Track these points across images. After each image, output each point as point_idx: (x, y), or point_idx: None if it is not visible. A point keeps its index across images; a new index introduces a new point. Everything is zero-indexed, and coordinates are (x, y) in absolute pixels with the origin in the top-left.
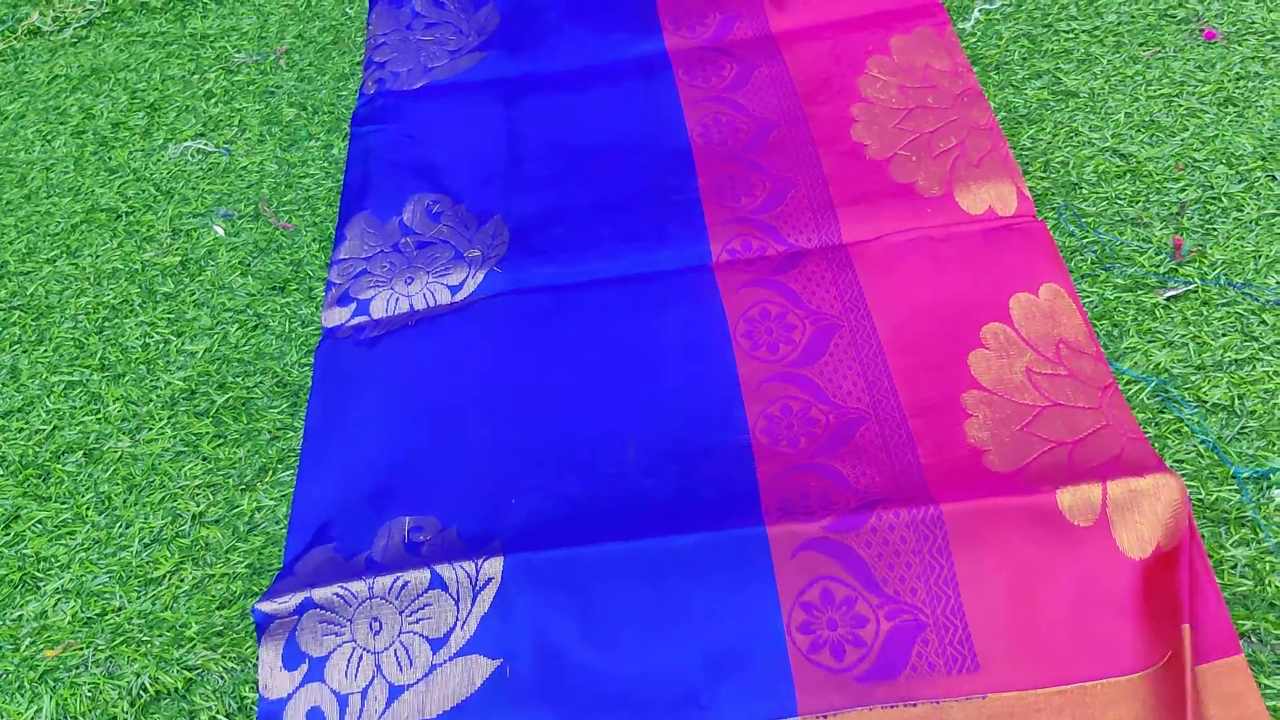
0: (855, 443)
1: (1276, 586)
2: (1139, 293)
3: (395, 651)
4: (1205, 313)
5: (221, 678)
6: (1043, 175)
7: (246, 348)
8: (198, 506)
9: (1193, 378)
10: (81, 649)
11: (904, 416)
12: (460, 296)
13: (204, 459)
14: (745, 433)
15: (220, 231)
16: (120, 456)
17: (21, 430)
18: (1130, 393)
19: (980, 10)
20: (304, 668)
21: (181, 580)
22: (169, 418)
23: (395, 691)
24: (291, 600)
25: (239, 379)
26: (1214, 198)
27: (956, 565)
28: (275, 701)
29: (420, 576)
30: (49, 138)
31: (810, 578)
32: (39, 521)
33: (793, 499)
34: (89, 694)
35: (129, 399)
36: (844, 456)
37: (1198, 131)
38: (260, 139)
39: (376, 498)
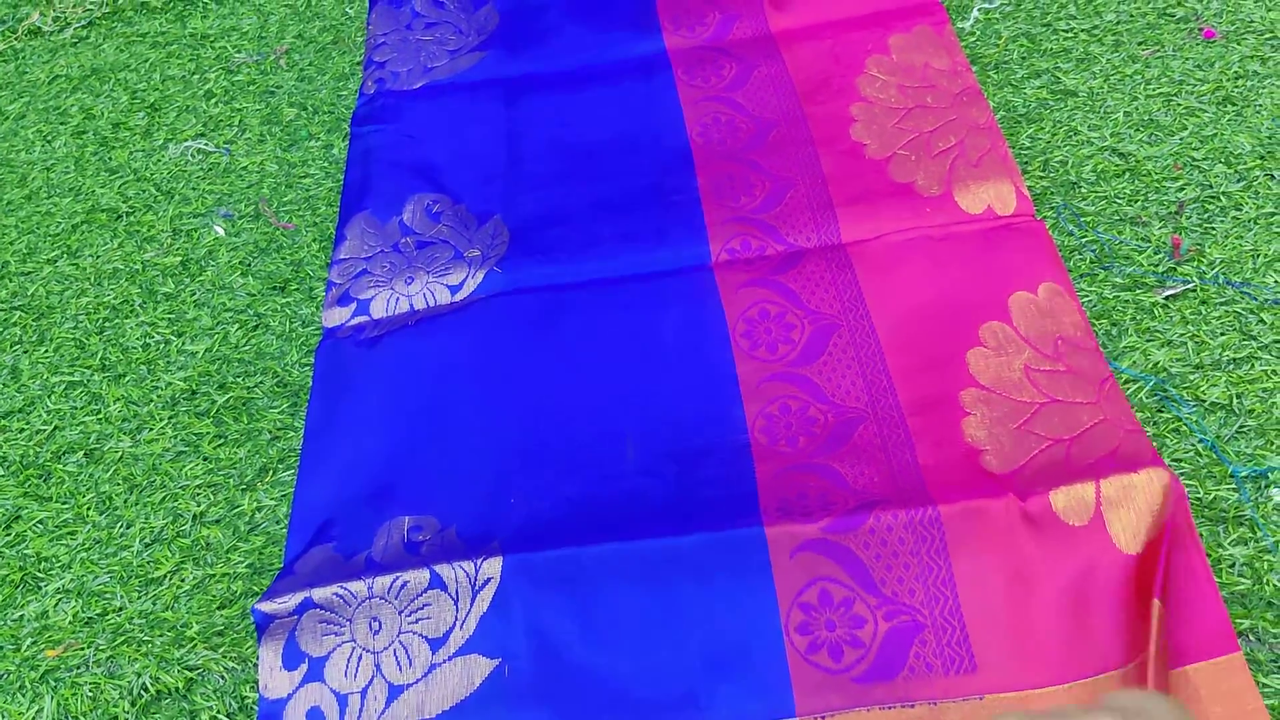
0: (854, 442)
1: (1274, 585)
2: (1137, 292)
3: (394, 651)
4: (1204, 312)
5: (222, 677)
6: (1042, 174)
7: (247, 348)
8: (198, 506)
9: (1191, 377)
10: (82, 649)
11: (902, 416)
12: (460, 296)
13: (205, 459)
14: (744, 432)
15: (221, 231)
16: (121, 457)
17: (22, 430)
18: (1129, 392)
19: (979, 9)
20: (304, 668)
21: (182, 580)
22: (170, 418)
23: (395, 691)
24: (291, 600)
25: (239, 379)
26: (1212, 197)
27: (954, 566)
28: (275, 701)
29: (419, 576)
30: (49, 138)
31: (808, 578)
32: (40, 522)
33: (791, 499)
34: (90, 694)
35: (130, 399)
36: (842, 456)
37: (1196, 130)
38: (260, 139)
39: (376, 497)
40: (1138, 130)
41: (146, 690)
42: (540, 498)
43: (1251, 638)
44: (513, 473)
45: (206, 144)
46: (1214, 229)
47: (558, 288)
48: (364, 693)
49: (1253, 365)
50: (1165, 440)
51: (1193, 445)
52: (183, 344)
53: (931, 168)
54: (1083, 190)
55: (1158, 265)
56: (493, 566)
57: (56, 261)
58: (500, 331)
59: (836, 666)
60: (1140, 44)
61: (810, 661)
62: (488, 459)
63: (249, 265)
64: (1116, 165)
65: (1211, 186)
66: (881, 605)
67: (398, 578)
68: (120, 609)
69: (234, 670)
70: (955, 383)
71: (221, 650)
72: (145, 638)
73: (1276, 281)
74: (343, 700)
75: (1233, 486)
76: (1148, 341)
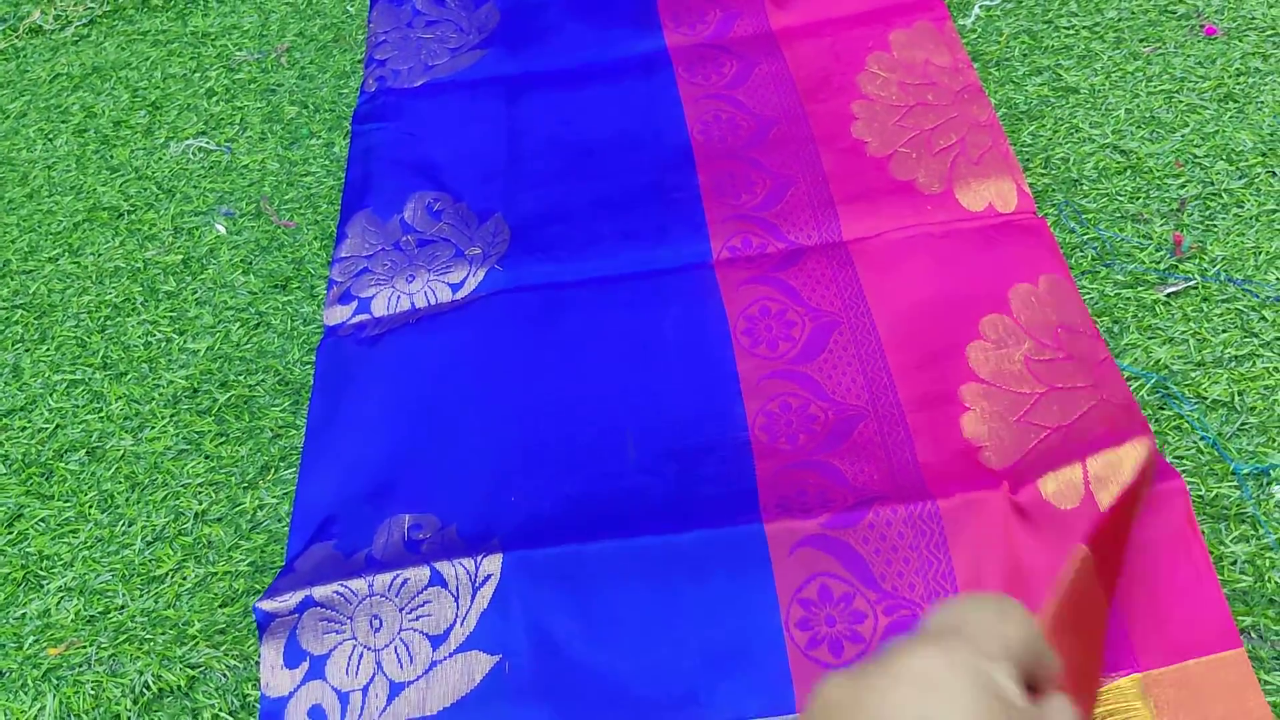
0: (854, 440)
1: (1276, 582)
2: (1139, 289)
3: (395, 649)
4: (1205, 309)
5: (224, 675)
6: (1043, 172)
7: (248, 346)
8: (200, 505)
9: (1193, 374)
10: (84, 647)
11: (902, 413)
12: (461, 294)
13: (206, 457)
14: (744, 430)
15: (222, 230)
16: (123, 455)
17: (24, 429)
18: (1130, 389)
19: (981, 6)
20: (305, 666)
21: (184, 578)
22: (171, 416)
23: (396, 689)
24: (292, 598)
25: (241, 377)
26: (1214, 194)
27: (954, 560)
28: (277, 700)
29: (420, 574)
30: (51, 136)
31: (808, 574)
32: (42, 520)
33: (791, 496)
34: (92, 692)
35: (131, 397)
36: (842, 454)
37: (1198, 127)
38: (262, 137)
39: (377, 495)
40: (1139, 127)
41: (148, 688)
42: (540, 495)
43: (1253, 635)
44: (513, 470)
45: (208, 142)
46: (1216, 226)
47: (558, 285)
48: (365, 690)
49: (1254, 362)
50: (1167, 438)
51: (1194, 443)
52: (184, 342)
53: (933, 165)
54: (1084, 187)
55: (1159, 262)
56: (493, 564)
57: (58, 260)
58: (501, 329)
59: (837, 661)
60: (1142, 41)
61: (810, 657)
62: (488, 457)
63: (250, 263)
64: (1118, 162)
65: (1213, 184)
66: (881, 600)
67: (398, 575)
68: (122, 607)
69: (236, 668)
70: (955, 378)
71: (223, 648)
72: (147, 636)
73: (1278, 279)
74: (344, 698)
75: (1234, 484)
76: (1149, 339)
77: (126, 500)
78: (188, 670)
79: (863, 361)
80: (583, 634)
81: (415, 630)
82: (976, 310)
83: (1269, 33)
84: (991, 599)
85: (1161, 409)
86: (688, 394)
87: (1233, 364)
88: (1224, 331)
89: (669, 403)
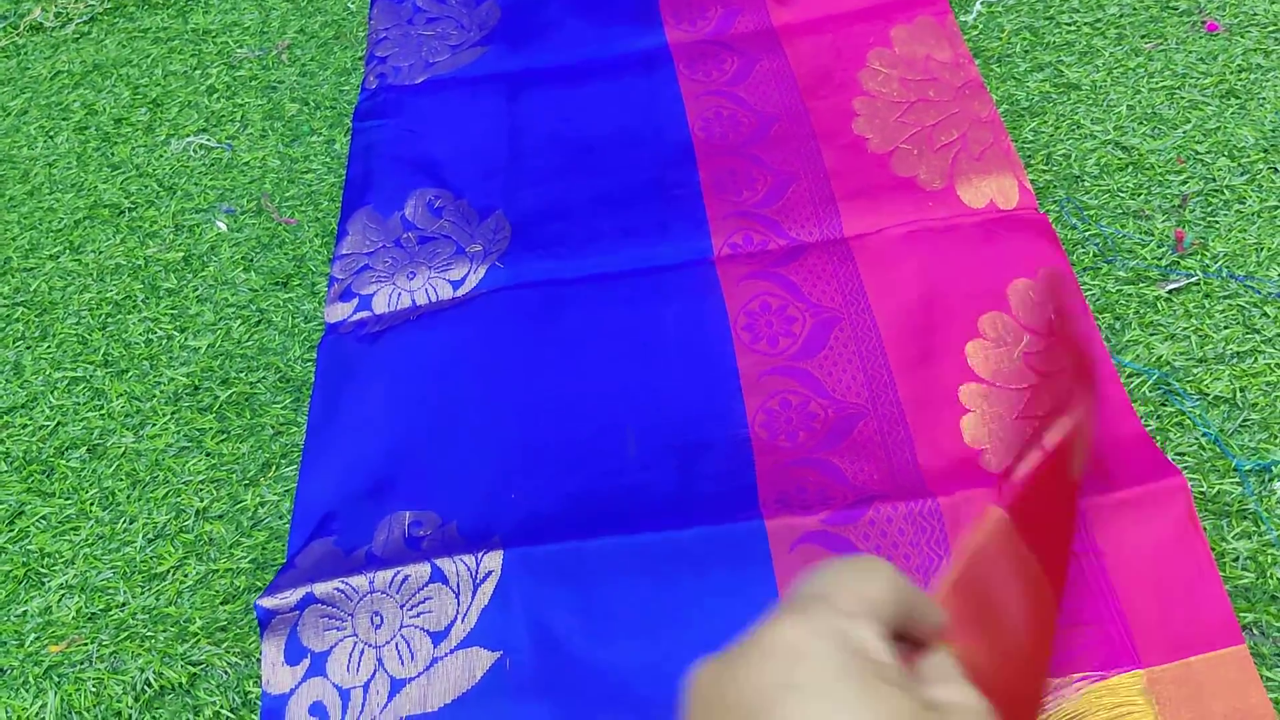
0: (854, 438)
1: (1278, 579)
2: (1141, 285)
3: (396, 645)
4: (1207, 305)
5: (225, 673)
6: (1045, 168)
7: (249, 343)
8: (201, 502)
9: (1194, 370)
10: (86, 644)
11: (902, 412)
12: (462, 292)
13: (207, 454)
14: (744, 427)
15: (223, 227)
16: (124, 452)
17: (25, 426)
18: (1132, 386)
19: (982, 3)
20: (306, 663)
21: (185, 576)
22: (172, 413)
23: (397, 685)
24: (293, 596)
25: (242, 374)
26: (1216, 190)
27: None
28: (278, 697)
29: (420, 570)
30: (51, 134)
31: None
32: (43, 517)
33: (791, 492)
34: (93, 689)
35: (132, 395)
36: (842, 452)
37: (1200, 124)
38: (262, 134)
39: (377, 492)
40: (1141, 124)
41: (150, 685)
42: (541, 492)
43: (1255, 631)
44: (514, 467)
45: (208, 139)
46: (1217, 222)
47: (559, 282)
48: (366, 687)
49: (1256, 359)
50: (1169, 434)
51: (1196, 439)
52: (185, 339)
53: (934, 162)
54: (1086, 184)
55: (1161, 259)
56: (493, 560)
57: (59, 257)
58: (502, 326)
59: None
60: (1143, 37)
61: None
62: (489, 453)
63: (251, 261)
64: (1119, 159)
65: (1215, 180)
66: None
67: (399, 572)
68: (123, 604)
69: (237, 665)
70: (955, 377)
71: (225, 645)
72: (148, 633)
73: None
74: (345, 695)
75: (1236, 480)
76: (1151, 335)
77: (128, 497)
78: (189, 667)
79: (863, 359)
80: (583, 630)
81: (416, 627)
82: (976, 308)
83: (1270, 29)
84: (856, 561)
85: (1163, 405)
86: (688, 391)
87: (1234, 360)
88: (1226, 328)
89: (669, 399)
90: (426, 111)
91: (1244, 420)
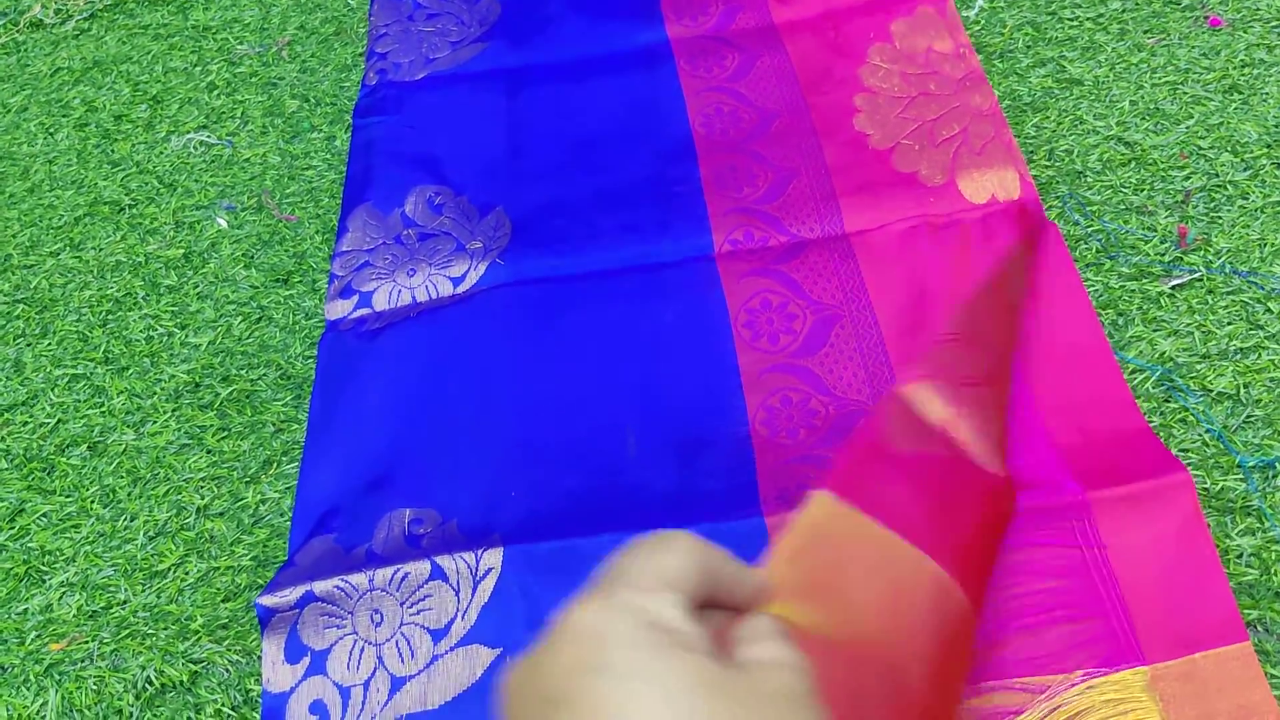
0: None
1: None
2: (1144, 281)
3: (397, 643)
4: (1210, 301)
5: (226, 670)
6: (1047, 164)
7: (250, 340)
8: (202, 499)
9: (1198, 366)
10: (87, 642)
11: None
12: (462, 289)
13: (208, 452)
14: (745, 424)
15: (223, 224)
16: (125, 450)
17: (26, 424)
18: (1135, 381)
19: None
20: (306, 661)
21: (186, 573)
22: (173, 411)
23: (397, 683)
24: (293, 593)
25: (243, 371)
26: (1219, 185)
27: None
28: (278, 695)
29: (420, 568)
30: (52, 131)
31: None
32: (44, 515)
33: (791, 490)
34: (94, 687)
35: (133, 392)
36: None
37: (1203, 119)
38: (263, 131)
39: (378, 490)
40: (1144, 119)
41: (150, 683)
42: (541, 489)
43: (1259, 628)
44: (514, 465)
45: (209, 136)
46: (1220, 218)
47: (560, 279)
48: (366, 685)
49: (1260, 355)
50: (1172, 430)
51: (1200, 435)
52: (186, 336)
53: (935, 157)
54: (1088, 179)
55: (1164, 255)
56: (494, 557)
57: (59, 254)
58: (502, 323)
59: None
60: (1146, 32)
61: None
62: (489, 451)
63: (252, 257)
64: (1122, 154)
65: (1218, 175)
66: None
67: (399, 569)
68: (124, 602)
69: (238, 663)
70: None
71: (226, 643)
72: (149, 631)
73: None
74: (345, 693)
75: (1240, 477)
76: (1154, 331)
77: (128, 495)
78: (190, 665)
79: (864, 356)
80: None
81: (416, 625)
82: None
83: (1274, 24)
84: (653, 538)
85: (1167, 401)
86: (689, 387)
87: (1238, 356)
88: (1229, 324)
89: (670, 396)
90: (427, 108)
91: (1248, 416)
